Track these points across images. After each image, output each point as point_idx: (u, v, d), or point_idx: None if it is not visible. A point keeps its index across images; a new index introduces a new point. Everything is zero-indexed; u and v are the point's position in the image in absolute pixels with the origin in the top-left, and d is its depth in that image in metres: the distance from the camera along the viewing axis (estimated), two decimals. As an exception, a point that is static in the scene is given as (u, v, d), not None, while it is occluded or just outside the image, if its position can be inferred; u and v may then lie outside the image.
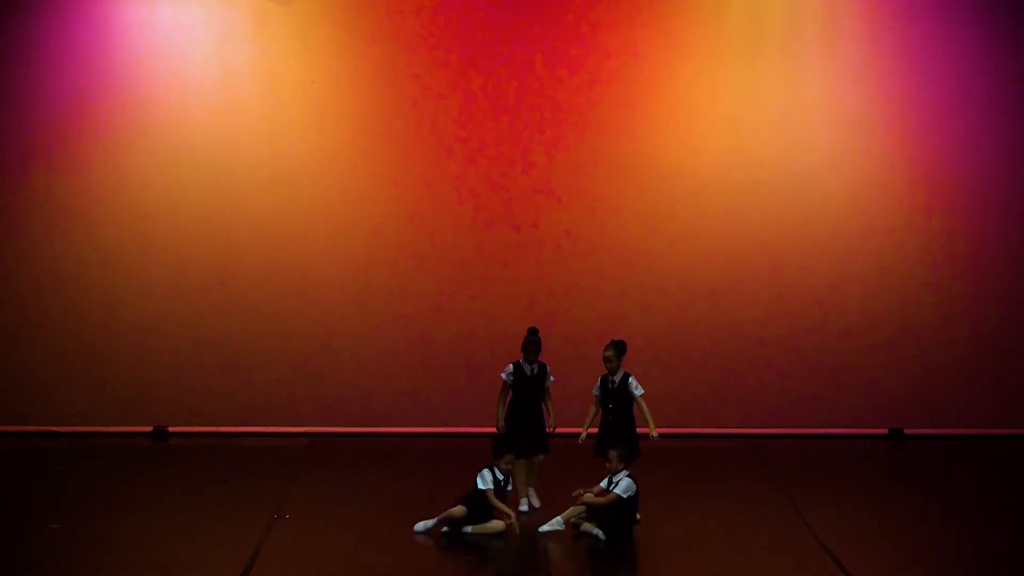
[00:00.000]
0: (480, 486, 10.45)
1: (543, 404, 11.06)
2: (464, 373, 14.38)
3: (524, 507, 10.78)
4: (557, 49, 14.40)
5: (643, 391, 10.93)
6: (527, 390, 11.03)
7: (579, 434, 10.98)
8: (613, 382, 10.97)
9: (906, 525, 10.95)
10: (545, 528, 10.53)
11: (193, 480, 12.41)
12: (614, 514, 10.43)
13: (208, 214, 14.34)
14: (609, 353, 10.94)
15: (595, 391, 11.05)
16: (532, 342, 11.00)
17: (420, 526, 10.27)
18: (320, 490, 12.06)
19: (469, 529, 10.41)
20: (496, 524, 10.42)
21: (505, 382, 11.05)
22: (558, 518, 10.62)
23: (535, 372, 11.02)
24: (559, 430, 11.30)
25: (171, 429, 14.52)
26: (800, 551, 10.08)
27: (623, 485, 10.52)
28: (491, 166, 14.47)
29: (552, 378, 11.06)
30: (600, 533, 10.42)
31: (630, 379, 10.97)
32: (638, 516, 10.71)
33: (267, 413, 14.51)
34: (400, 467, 13.22)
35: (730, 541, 10.37)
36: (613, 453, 10.61)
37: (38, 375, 14.30)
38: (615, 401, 10.96)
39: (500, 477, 10.54)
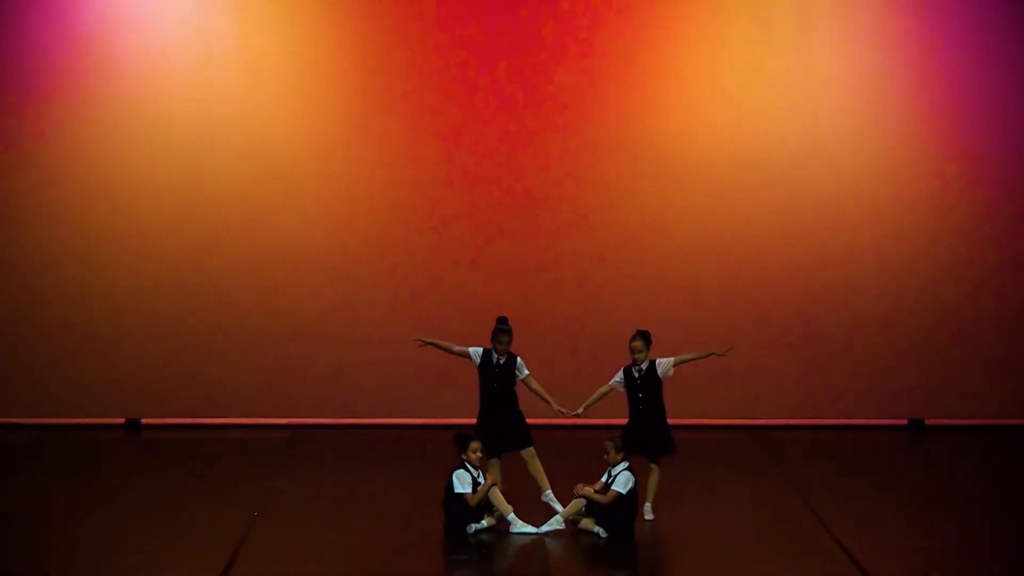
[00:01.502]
0: (458, 488, 10.42)
1: (514, 400, 10.94)
2: (452, 363, 14.18)
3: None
4: (564, 22, 14.41)
5: (671, 359, 10.87)
6: (492, 380, 10.90)
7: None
8: (640, 371, 10.89)
9: (926, 521, 10.96)
10: (544, 528, 10.52)
11: (168, 475, 12.40)
12: (614, 511, 10.42)
13: (184, 198, 14.28)
14: (637, 343, 10.85)
15: (614, 381, 10.98)
16: (501, 331, 10.88)
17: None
18: (303, 485, 12.06)
19: (472, 529, 10.44)
20: (502, 508, 10.44)
21: (471, 359, 10.91)
22: (557, 516, 10.62)
23: (501, 362, 10.88)
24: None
25: (144, 421, 14.54)
26: (813, 548, 10.07)
27: (621, 480, 10.49)
28: (484, 148, 14.47)
29: (527, 371, 10.92)
30: (601, 531, 10.41)
31: (659, 363, 10.89)
32: (651, 514, 10.80)
33: (246, 404, 14.53)
34: (387, 460, 13.25)
35: (738, 539, 10.36)
36: (610, 444, 10.53)
37: (2, 366, 14.28)
38: (644, 391, 10.89)
39: (474, 473, 10.50)
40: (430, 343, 10.99)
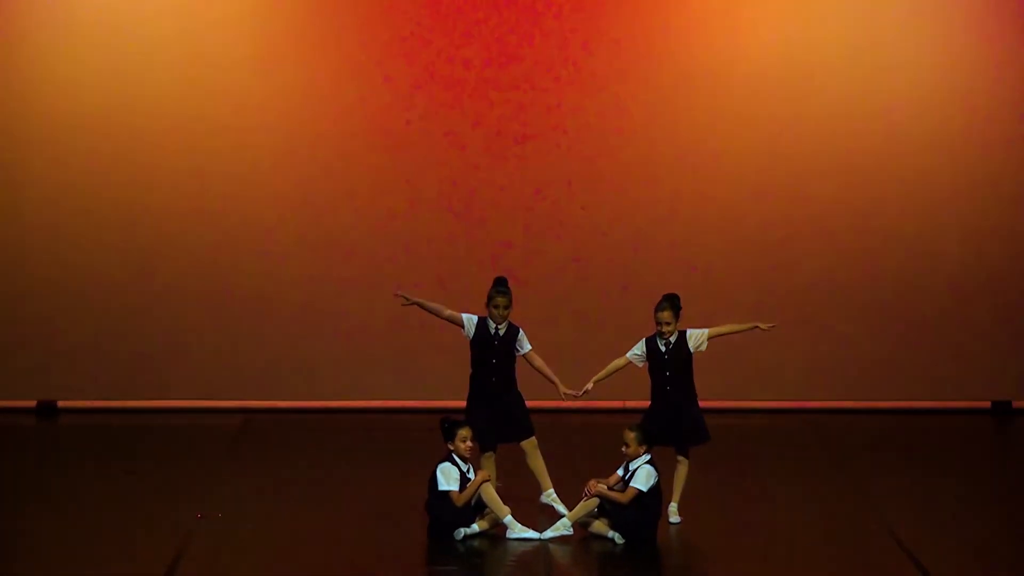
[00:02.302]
0: (443, 485, 10.44)
1: (512, 380, 10.99)
2: (426, 340, 14.50)
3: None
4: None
5: (705, 330, 10.94)
6: (490, 354, 10.93)
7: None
8: (667, 343, 10.92)
9: (1011, 522, 11.01)
10: (549, 533, 10.47)
11: (93, 468, 12.53)
12: (633, 512, 10.41)
13: (116, 158, 14.70)
14: (665, 313, 10.89)
15: (632, 355, 11.00)
16: (499, 293, 10.89)
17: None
18: (255, 481, 12.14)
19: (461, 534, 10.44)
20: (497, 509, 10.46)
21: (464, 327, 10.93)
22: (564, 519, 10.57)
23: (499, 334, 10.89)
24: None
25: (61, 404, 14.67)
26: (878, 562, 10.05)
27: (642, 475, 10.49)
28: (477, 103, 14.89)
29: (530, 346, 10.97)
30: (617, 536, 10.38)
31: (690, 334, 10.92)
32: (677, 516, 10.86)
33: (190, 385, 14.75)
34: (357, 452, 13.35)
35: (784, 549, 10.37)
36: (631, 435, 10.53)
37: None
38: (672, 368, 10.92)
39: (463, 467, 10.53)
40: (415, 303, 10.96)
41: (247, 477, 12.16)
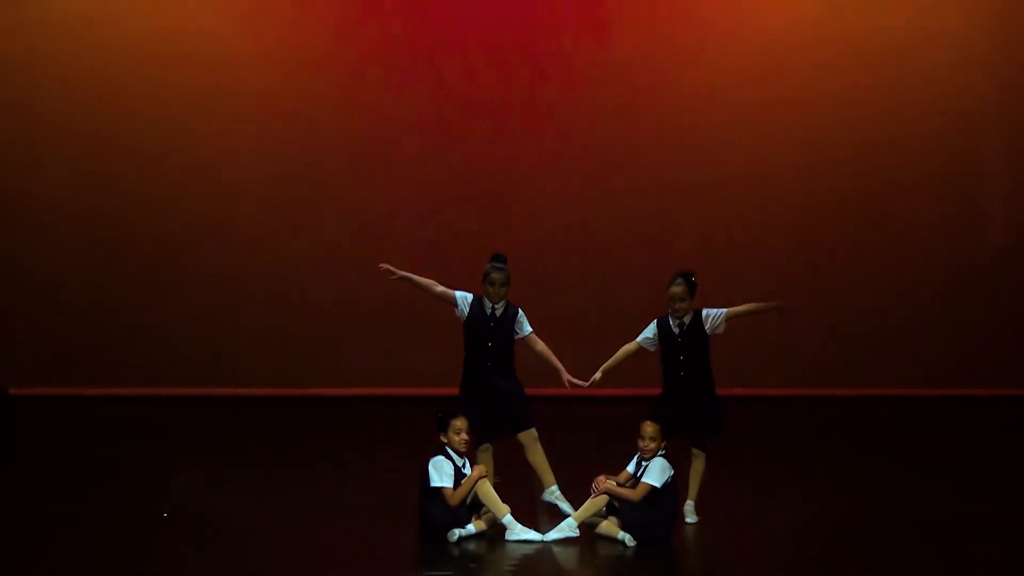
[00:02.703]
0: (436, 481, 10.44)
1: (511, 365, 10.99)
2: (424, 315, 14.56)
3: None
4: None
5: (723, 310, 10.93)
6: (485, 335, 10.93)
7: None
8: (681, 324, 10.88)
9: None
10: (552, 535, 10.44)
11: (42, 459, 12.64)
12: (646, 511, 10.41)
13: (75, 147, 15.31)
14: (678, 289, 10.85)
15: (644, 338, 10.99)
16: (496, 269, 10.91)
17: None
18: (228, 474, 12.22)
19: (455, 536, 10.42)
20: (495, 508, 10.44)
21: (458, 306, 10.94)
22: (570, 519, 10.54)
23: (496, 314, 10.92)
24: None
25: (14, 391, 14.98)
26: (918, 566, 10.00)
27: (656, 470, 10.50)
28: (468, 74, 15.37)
29: (530, 328, 10.99)
30: (627, 538, 10.36)
31: (706, 314, 10.90)
32: (694, 516, 10.88)
33: (155, 372, 15.10)
34: (341, 444, 13.50)
35: (812, 547, 10.37)
36: (652, 427, 10.52)
37: None
38: (686, 351, 10.90)
39: (458, 461, 10.54)
40: (404, 277, 10.97)
41: (216, 472, 12.26)
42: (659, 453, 10.54)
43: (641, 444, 10.53)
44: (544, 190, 15.46)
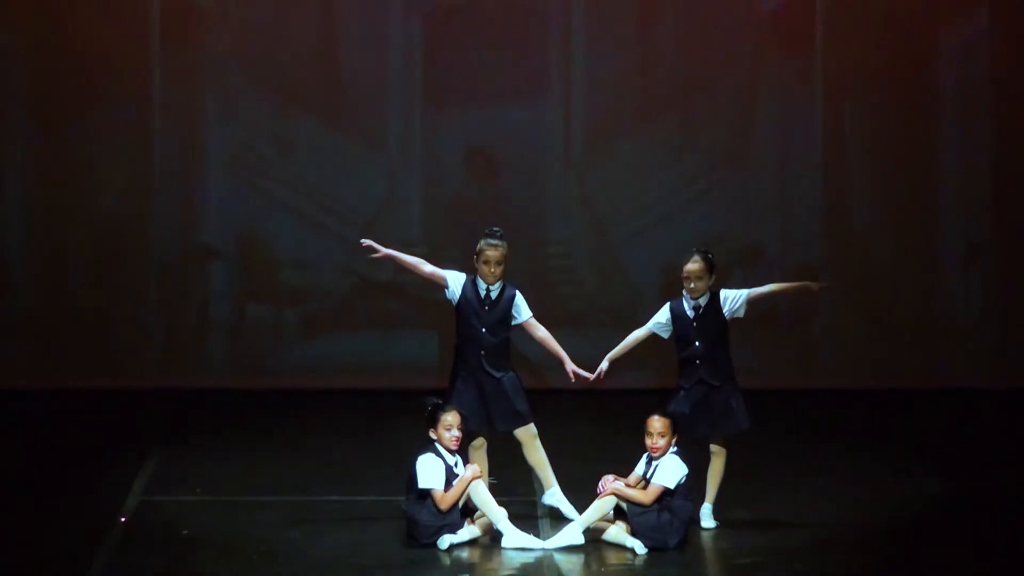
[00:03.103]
0: (424, 482, 10.46)
1: (506, 354, 11.01)
2: (410, 299, 14.86)
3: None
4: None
5: (744, 291, 10.97)
6: (479, 321, 10.92)
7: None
8: (698, 307, 10.88)
9: None
10: (553, 542, 10.46)
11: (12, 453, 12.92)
12: (657, 515, 10.44)
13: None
14: (694, 266, 10.84)
15: (654, 324, 11.00)
16: (490, 245, 10.89)
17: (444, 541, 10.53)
18: (187, 476, 12.29)
19: (446, 543, 10.45)
20: (491, 512, 10.46)
21: (448, 287, 10.99)
22: (573, 524, 10.56)
23: (491, 296, 10.94)
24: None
25: None
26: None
27: (668, 469, 10.52)
28: None
29: (530, 313, 11.01)
30: (637, 545, 10.36)
31: (725, 295, 10.89)
32: (711, 520, 10.88)
33: (97, 363, 15.16)
34: (314, 440, 13.55)
35: (843, 553, 10.43)
36: (661, 422, 10.54)
37: None
38: (702, 337, 10.87)
39: (450, 460, 10.54)
40: (388, 255, 10.96)
41: (173, 475, 12.30)
42: (671, 451, 10.50)
43: (649, 442, 10.50)
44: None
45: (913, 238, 15.51)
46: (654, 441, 10.46)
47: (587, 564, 10.19)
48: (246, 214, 15.30)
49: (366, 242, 11.00)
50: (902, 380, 15.31)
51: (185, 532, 10.68)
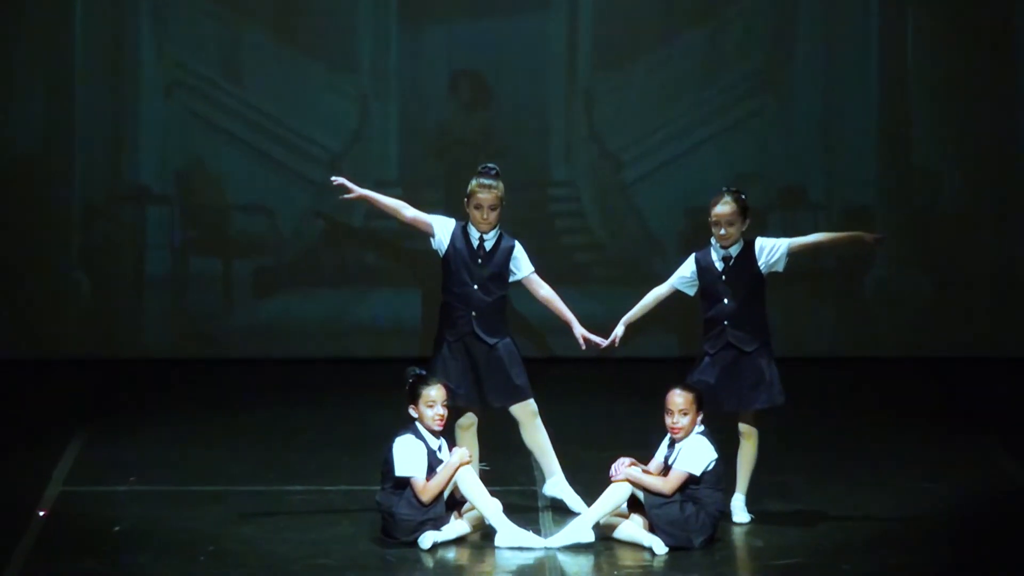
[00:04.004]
0: (402, 469, 10.48)
1: (502, 317, 11.08)
2: (390, 246, 15.17)
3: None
4: None
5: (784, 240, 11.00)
6: (470, 275, 10.98)
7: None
8: (728, 259, 10.90)
9: None
10: (557, 539, 10.47)
11: None
12: (680, 507, 10.46)
13: None
14: (725, 209, 10.83)
15: (678, 280, 11.09)
16: (483, 186, 10.95)
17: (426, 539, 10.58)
18: (122, 459, 12.34)
19: (429, 541, 10.47)
20: (481, 504, 10.48)
21: (435, 235, 11.04)
22: (580, 518, 10.57)
23: (486, 247, 11.02)
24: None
25: None
26: None
27: (693, 452, 10.53)
28: None
29: (532, 268, 11.10)
30: (656, 543, 10.36)
31: (761, 245, 10.92)
32: (745, 513, 10.89)
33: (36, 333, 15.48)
34: (277, 416, 13.70)
35: (896, 550, 10.41)
36: (684, 397, 10.54)
37: None
38: (732, 293, 10.93)
39: (433, 443, 10.57)
40: (364, 195, 11.05)
41: (105, 460, 12.36)
42: (696, 431, 10.48)
43: (669, 421, 10.50)
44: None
45: (988, 179, 15.59)
46: (675, 420, 10.45)
47: (597, 567, 10.17)
48: (187, 149, 15.40)
49: (337, 180, 11.02)
50: (972, 347, 15.48)
51: (117, 528, 10.69)
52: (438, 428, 10.52)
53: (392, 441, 10.48)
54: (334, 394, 14.25)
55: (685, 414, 10.44)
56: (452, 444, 10.68)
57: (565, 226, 15.56)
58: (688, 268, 10.95)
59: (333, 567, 10.04)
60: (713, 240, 10.87)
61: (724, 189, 10.95)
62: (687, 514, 10.33)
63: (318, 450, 12.55)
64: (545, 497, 10.99)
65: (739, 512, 10.81)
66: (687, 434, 10.47)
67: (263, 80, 15.35)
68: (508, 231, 10.98)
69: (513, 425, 10.99)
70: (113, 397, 14.16)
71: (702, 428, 10.52)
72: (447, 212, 11.12)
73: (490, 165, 10.98)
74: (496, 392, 10.96)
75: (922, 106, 15.49)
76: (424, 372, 10.63)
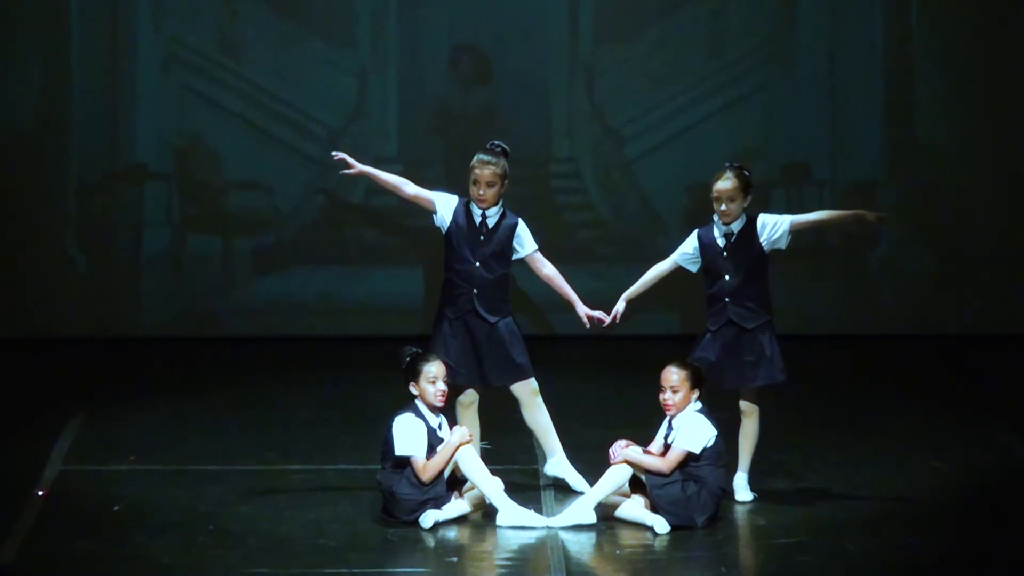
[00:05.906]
0: (402, 448, 10.48)
1: (504, 295, 11.09)
2: (378, 233, 15.14)
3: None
4: None
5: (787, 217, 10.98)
6: (472, 254, 11.00)
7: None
8: (730, 235, 10.90)
9: None
10: (558, 520, 10.50)
11: None
12: (680, 487, 10.48)
13: None
14: (727, 185, 10.84)
15: (680, 256, 11.10)
16: (483, 162, 10.95)
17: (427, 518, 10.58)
18: (115, 440, 12.36)
19: (430, 520, 10.48)
20: (482, 483, 10.50)
21: (437, 212, 11.04)
22: (581, 499, 10.61)
23: (488, 224, 11.01)
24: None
25: None
26: None
27: (690, 429, 10.55)
28: None
29: (535, 246, 11.10)
30: (658, 523, 10.40)
31: (763, 222, 10.92)
32: (748, 492, 10.90)
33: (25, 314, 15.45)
34: (272, 396, 13.71)
35: (902, 528, 10.42)
36: (678, 373, 10.56)
37: None
38: (734, 269, 10.93)
39: (433, 421, 10.58)
40: (364, 171, 11.05)
41: (98, 443, 12.32)
42: (694, 408, 10.52)
43: (663, 398, 10.53)
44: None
45: (996, 155, 15.54)
46: (666, 396, 10.49)
47: (599, 546, 10.21)
48: (185, 126, 15.35)
49: (338, 155, 11.04)
50: (978, 325, 15.46)
51: (116, 508, 10.71)
52: (440, 404, 10.54)
53: (392, 420, 10.51)
54: (334, 373, 14.24)
55: (676, 391, 10.47)
56: (453, 422, 10.70)
57: (567, 203, 15.49)
58: (690, 244, 10.96)
59: (334, 547, 10.06)
60: (715, 216, 10.88)
61: (727, 165, 10.97)
62: (689, 493, 10.36)
63: (318, 429, 12.54)
64: (547, 476, 11.01)
65: (741, 491, 10.83)
66: (679, 411, 10.50)
67: (262, 55, 15.27)
68: (511, 208, 11.01)
69: (514, 404, 11.02)
70: (111, 376, 14.14)
71: (699, 405, 10.55)
72: (448, 188, 11.10)
73: (496, 143, 10.99)
74: (497, 370, 10.98)
75: (928, 81, 15.42)
76: (422, 350, 10.65)
